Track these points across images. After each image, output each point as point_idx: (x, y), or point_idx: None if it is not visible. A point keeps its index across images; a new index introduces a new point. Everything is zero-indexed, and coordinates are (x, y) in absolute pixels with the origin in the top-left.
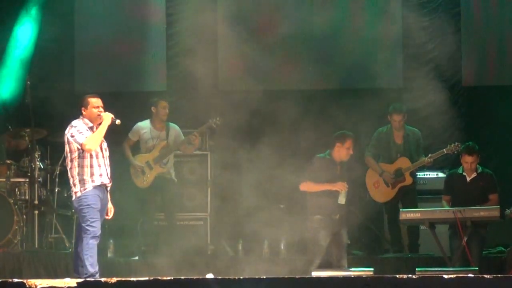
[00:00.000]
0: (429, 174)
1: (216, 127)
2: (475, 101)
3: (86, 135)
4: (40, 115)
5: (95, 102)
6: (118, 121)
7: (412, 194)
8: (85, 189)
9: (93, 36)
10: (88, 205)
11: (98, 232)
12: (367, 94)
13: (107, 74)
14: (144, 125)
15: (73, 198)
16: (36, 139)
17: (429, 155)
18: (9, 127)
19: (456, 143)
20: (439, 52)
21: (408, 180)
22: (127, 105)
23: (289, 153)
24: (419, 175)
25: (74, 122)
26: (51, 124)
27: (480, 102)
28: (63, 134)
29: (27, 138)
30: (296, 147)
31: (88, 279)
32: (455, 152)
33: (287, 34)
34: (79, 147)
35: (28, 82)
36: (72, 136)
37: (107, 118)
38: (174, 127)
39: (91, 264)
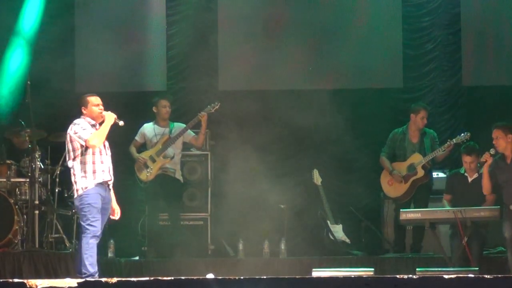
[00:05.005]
0: None
1: (214, 111)
2: (475, 101)
3: (90, 131)
4: (40, 115)
5: (94, 100)
6: (121, 122)
7: (424, 191)
8: (86, 188)
9: (93, 36)
10: (88, 204)
11: (98, 232)
12: (367, 94)
13: (107, 74)
14: (148, 125)
15: (75, 197)
16: (36, 139)
17: (440, 147)
18: (22, 122)
19: (467, 133)
20: (439, 52)
21: (420, 173)
22: (127, 105)
23: (289, 153)
24: None
25: (77, 121)
26: (51, 124)
27: (480, 102)
28: (63, 134)
29: (27, 138)
30: (296, 146)
31: (87, 279)
32: (464, 142)
33: (287, 34)
34: (83, 144)
35: (28, 82)
36: (76, 133)
37: (110, 117)
38: (179, 125)
39: (91, 263)
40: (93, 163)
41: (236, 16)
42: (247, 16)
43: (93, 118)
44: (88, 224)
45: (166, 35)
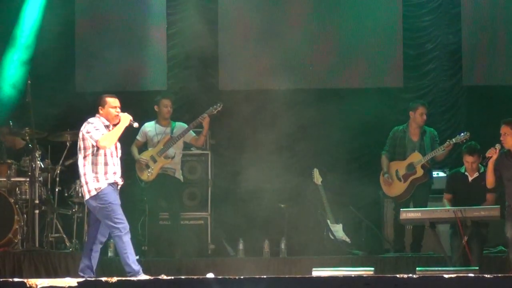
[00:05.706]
0: None
1: (216, 113)
2: (475, 101)
3: (103, 132)
4: (40, 115)
5: (112, 102)
6: (136, 124)
7: (424, 190)
8: (99, 188)
9: (94, 36)
10: (110, 202)
11: (128, 227)
12: (367, 94)
13: (107, 74)
14: (149, 125)
15: (87, 197)
16: (37, 139)
17: (439, 147)
18: (10, 122)
19: (466, 133)
20: (439, 52)
21: (419, 172)
22: (127, 105)
23: (289, 152)
24: None
25: (91, 119)
26: (51, 124)
27: (480, 102)
28: (63, 134)
29: (27, 137)
30: (296, 146)
31: (132, 278)
32: (464, 142)
33: (287, 34)
34: (94, 144)
35: (29, 82)
36: (88, 133)
37: (126, 119)
38: (181, 124)
39: (133, 261)
40: (105, 164)
41: (236, 16)
42: (247, 16)
43: (108, 119)
44: (116, 222)
45: (166, 35)
